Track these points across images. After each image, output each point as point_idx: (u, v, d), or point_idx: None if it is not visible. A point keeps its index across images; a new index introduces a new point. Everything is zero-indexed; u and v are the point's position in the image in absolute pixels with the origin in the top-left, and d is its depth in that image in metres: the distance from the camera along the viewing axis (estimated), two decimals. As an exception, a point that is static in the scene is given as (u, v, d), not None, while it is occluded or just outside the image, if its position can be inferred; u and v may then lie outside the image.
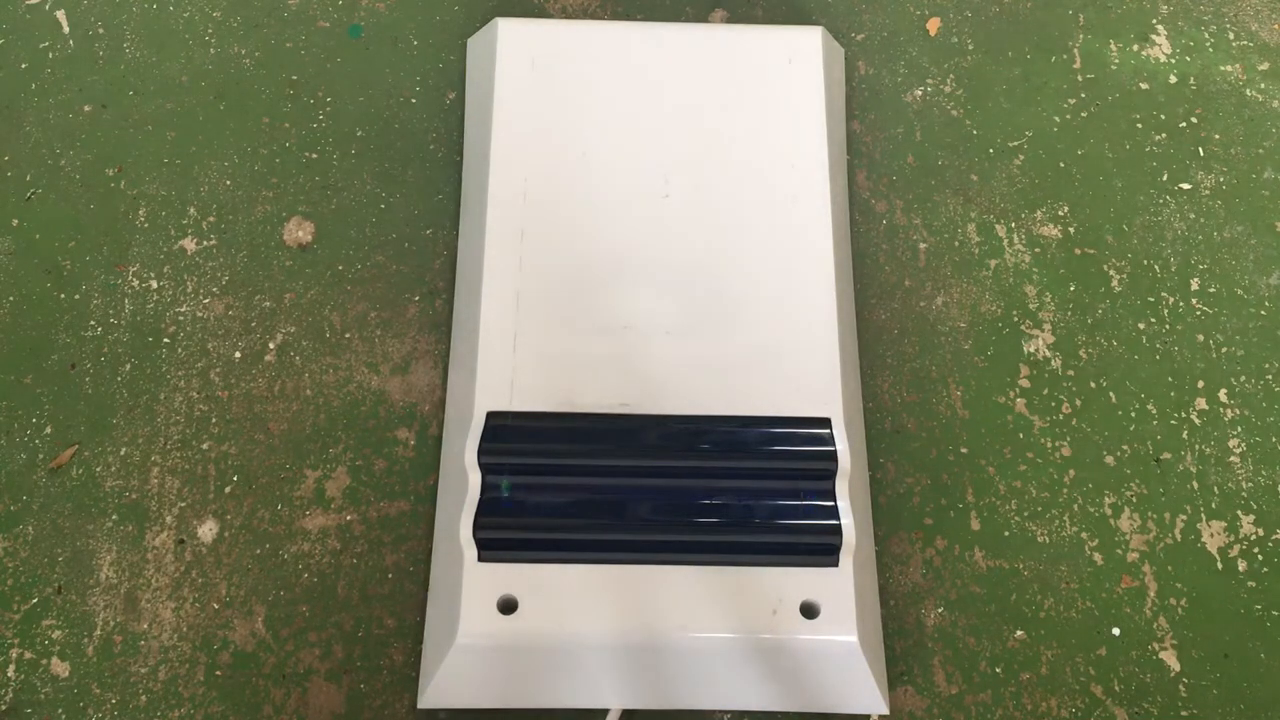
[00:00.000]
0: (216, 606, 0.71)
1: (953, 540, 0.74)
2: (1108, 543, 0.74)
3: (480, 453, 0.68)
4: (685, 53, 0.80)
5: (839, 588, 0.66)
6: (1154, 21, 0.91)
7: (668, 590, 0.66)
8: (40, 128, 0.84)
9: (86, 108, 0.85)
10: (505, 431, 0.68)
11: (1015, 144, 0.86)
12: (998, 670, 0.71)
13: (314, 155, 0.84)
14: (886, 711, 0.67)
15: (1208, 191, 0.85)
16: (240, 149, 0.84)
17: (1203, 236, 0.84)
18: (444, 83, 0.87)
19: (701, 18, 0.90)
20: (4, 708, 0.68)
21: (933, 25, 0.91)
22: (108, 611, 0.70)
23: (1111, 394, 0.78)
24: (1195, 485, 0.76)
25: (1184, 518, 0.75)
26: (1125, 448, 0.77)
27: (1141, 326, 0.80)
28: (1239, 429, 0.77)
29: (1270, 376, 0.79)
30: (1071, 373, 0.79)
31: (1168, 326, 0.81)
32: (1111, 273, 0.82)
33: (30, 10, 0.88)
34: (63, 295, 0.79)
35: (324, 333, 0.78)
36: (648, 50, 0.80)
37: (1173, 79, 0.89)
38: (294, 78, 0.86)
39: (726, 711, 0.69)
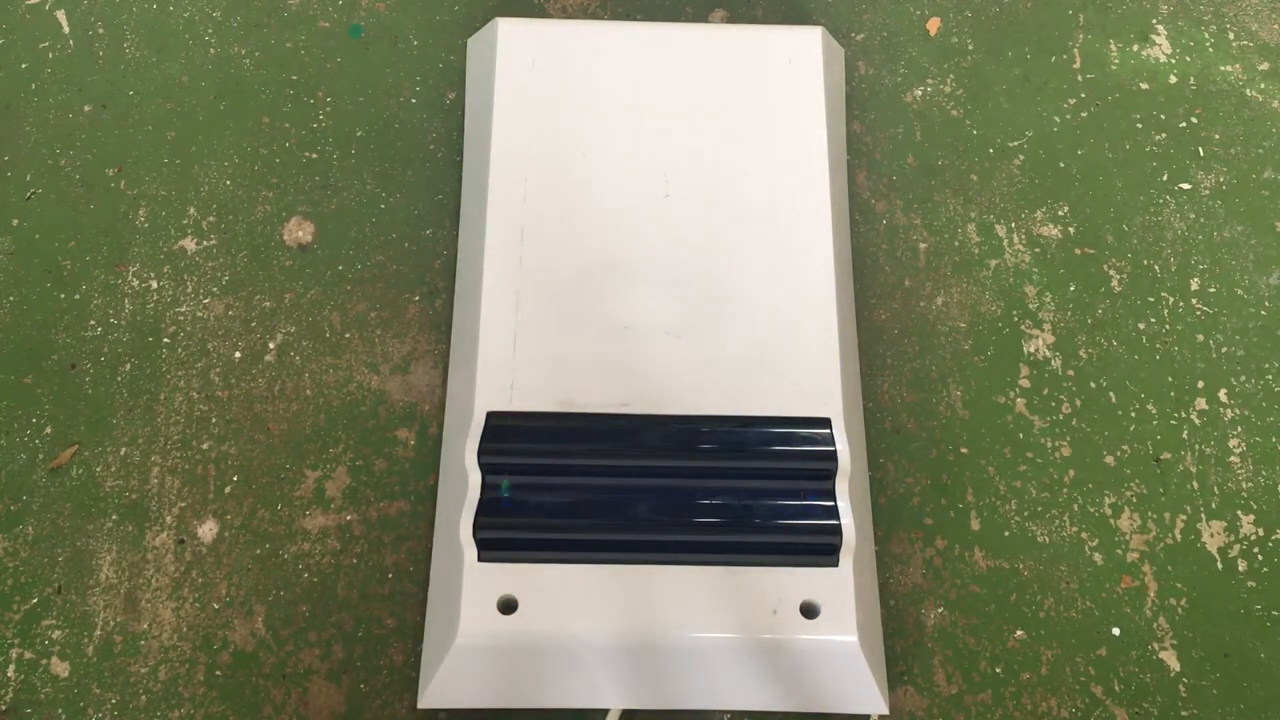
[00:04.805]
0: (216, 606, 0.71)
1: (953, 540, 0.74)
2: (1108, 543, 0.74)
3: (480, 453, 0.68)
4: (685, 53, 0.80)
5: (839, 588, 0.66)
6: (1154, 21, 0.91)
7: (668, 590, 0.66)
8: (40, 128, 0.84)
9: (86, 108, 0.85)
10: (505, 431, 0.68)
11: (1015, 144, 0.86)
12: (998, 670, 0.71)
13: (314, 155, 0.84)
14: (886, 711, 0.67)
15: (1208, 191, 0.85)
16: (240, 149, 0.84)
17: (1203, 236, 0.84)
18: (444, 83, 0.87)
19: (701, 18, 0.90)
20: (4, 708, 0.68)
21: (933, 25, 0.91)
22: (108, 611, 0.70)
23: (1111, 394, 0.78)
24: (1195, 485, 0.76)
25: (1184, 518, 0.75)
26: (1125, 448, 0.77)
27: (1141, 326, 0.80)
28: (1239, 429, 0.77)
29: (1270, 376, 0.79)
30: (1071, 373, 0.79)
31: (1168, 326, 0.81)
32: (1111, 273, 0.82)
33: (30, 10, 0.88)
34: (63, 295, 0.79)
35: (324, 333, 0.78)
36: (648, 50, 0.80)
37: (1173, 79, 0.89)
38: (294, 78, 0.86)
39: (726, 711, 0.69)
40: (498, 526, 0.67)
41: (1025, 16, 0.91)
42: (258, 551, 0.72)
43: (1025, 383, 0.78)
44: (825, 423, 0.69)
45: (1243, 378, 0.79)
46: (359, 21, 0.89)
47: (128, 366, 0.77)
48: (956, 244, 0.83)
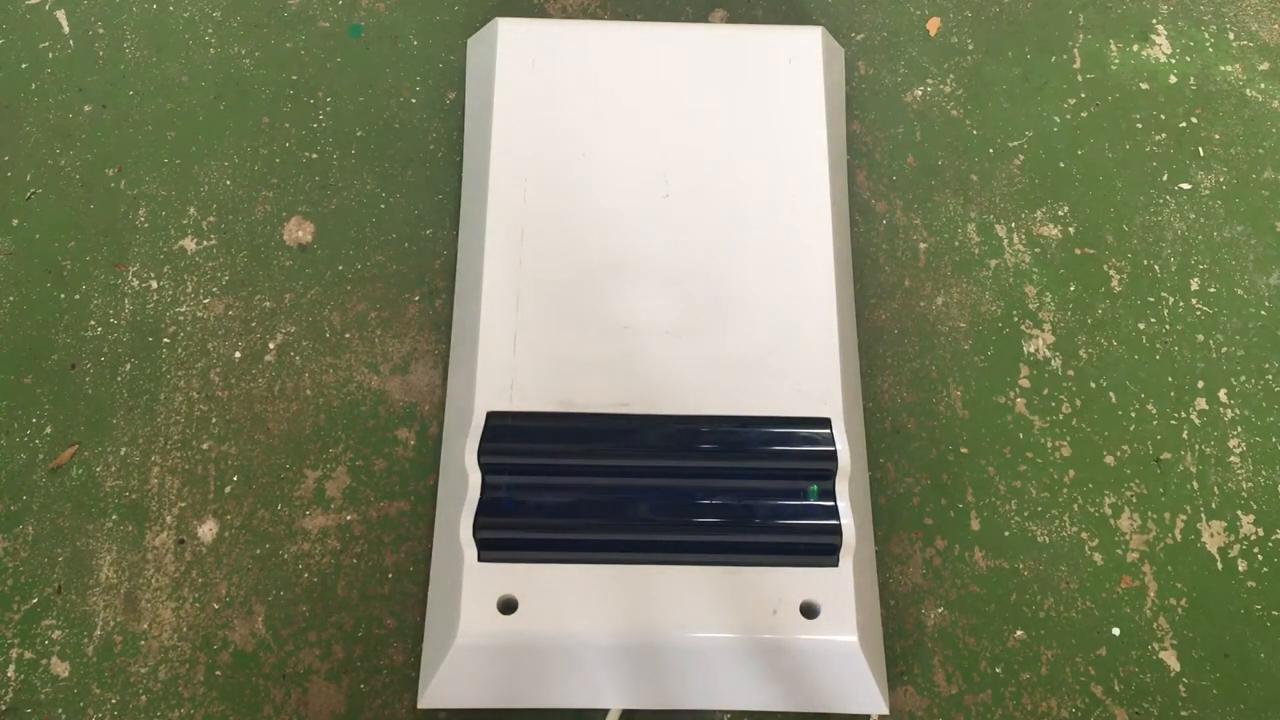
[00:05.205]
0: (216, 606, 0.71)
1: (953, 540, 0.74)
2: (1108, 543, 0.74)
3: (480, 453, 0.68)
4: (685, 53, 0.80)
5: (839, 588, 0.66)
6: (1154, 21, 0.91)
7: (668, 590, 0.66)
8: (40, 128, 0.84)
9: (86, 108, 0.85)
10: (505, 431, 0.68)
11: (1015, 144, 0.86)
12: (998, 670, 0.71)
13: (314, 155, 0.84)
14: (886, 711, 0.67)
15: (1208, 191, 0.85)
16: (240, 149, 0.84)
17: (1203, 236, 0.84)
18: (444, 83, 0.87)
19: (701, 18, 0.90)
20: (4, 708, 0.68)
21: (933, 25, 0.91)
22: (108, 611, 0.70)
23: (1111, 394, 0.78)
24: (1195, 485, 0.76)
25: (1184, 518, 0.75)
26: (1125, 448, 0.77)
27: (1141, 326, 0.80)
28: (1239, 429, 0.77)
29: (1270, 376, 0.79)
30: (1071, 373, 0.79)
31: (1168, 326, 0.81)
32: (1111, 273, 0.82)
33: (30, 10, 0.88)
34: (63, 295, 0.79)
35: (324, 333, 0.78)
36: (648, 50, 0.80)
37: (1173, 79, 0.89)
38: (294, 78, 0.86)
39: (726, 711, 0.69)
40: (498, 526, 0.67)
41: (1025, 16, 0.91)
42: (258, 551, 0.72)
43: (1025, 383, 0.78)
44: (825, 423, 0.69)
45: (1243, 378, 0.79)
46: (359, 21, 0.89)
47: (128, 366, 0.77)
48: (956, 244, 0.83)
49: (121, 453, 0.74)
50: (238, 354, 0.77)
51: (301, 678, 0.69)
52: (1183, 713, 0.70)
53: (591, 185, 0.76)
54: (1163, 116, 0.88)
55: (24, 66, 0.86)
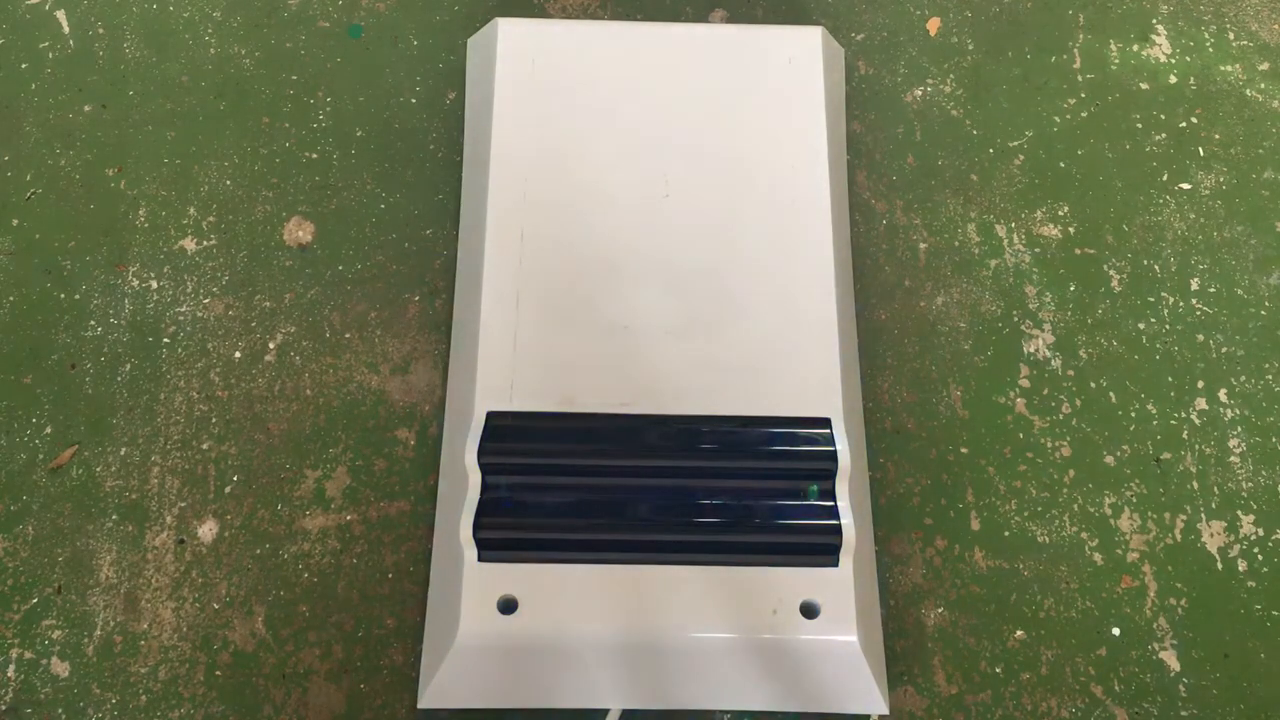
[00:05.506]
0: (216, 606, 0.71)
1: (953, 540, 0.74)
2: (1108, 543, 0.74)
3: (480, 453, 0.68)
4: (685, 53, 0.80)
5: (839, 588, 0.66)
6: (1154, 21, 0.91)
7: (668, 590, 0.66)
8: (40, 128, 0.84)
9: (86, 108, 0.85)
10: (505, 431, 0.68)
11: (1015, 144, 0.86)
12: (998, 670, 0.71)
13: (314, 155, 0.84)
14: (886, 711, 0.67)
15: (1208, 191, 0.85)
16: (240, 149, 0.84)
17: (1203, 236, 0.84)
18: (444, 83, 0.87)
19: (701, 18, 0.90)
20: (4, 708, 0.68)
21: (933, 25, 0.91)
22: (108, 611, 0.70)
23: (1111, 394, 0.78)
24: (1195, 485, 0.76)
25: (1184, 518, 0.75)
26: (1125, 448, 0.77)
27: (1141, 326, 0.80)
28: (1239, 429, 0.77)
29: (1270, 376, 0.79)
30: (1071, 373, 0.79)
31: (1168, 326, 0.81)
32: (1111, 273, 0.82)
33: (30, 10, 0.88)
34: (63, 295, 0.79)
35: (324, 333, 0.78)
36: (648, 50, 0.80)
37: (1173, 79, 0.89)
38: (294, 78, 0.86)
39: (726, 711, 0.69)
40: (498, 526, 0.67)
41: (1025, 16, 0.91)
42: (258, 551, 0.72)
43: (1025, 383, 0.78)
44: (825, 423, 0.69)
45: (1243, 378, 0.79)
46: (359, 21, 0.89)
47: (128, 366, 0.77)
48: (956, 244, 0.83)
49: (121, 453, 0.74)
50: (238, 354, 0.77)
51: (301, 678, 0.69)
52: (1183, 713, 0.70)
53: (591, 185, 0.76)
54: (1163, 116, 0.88)
55: (24, 66, 0.86)
